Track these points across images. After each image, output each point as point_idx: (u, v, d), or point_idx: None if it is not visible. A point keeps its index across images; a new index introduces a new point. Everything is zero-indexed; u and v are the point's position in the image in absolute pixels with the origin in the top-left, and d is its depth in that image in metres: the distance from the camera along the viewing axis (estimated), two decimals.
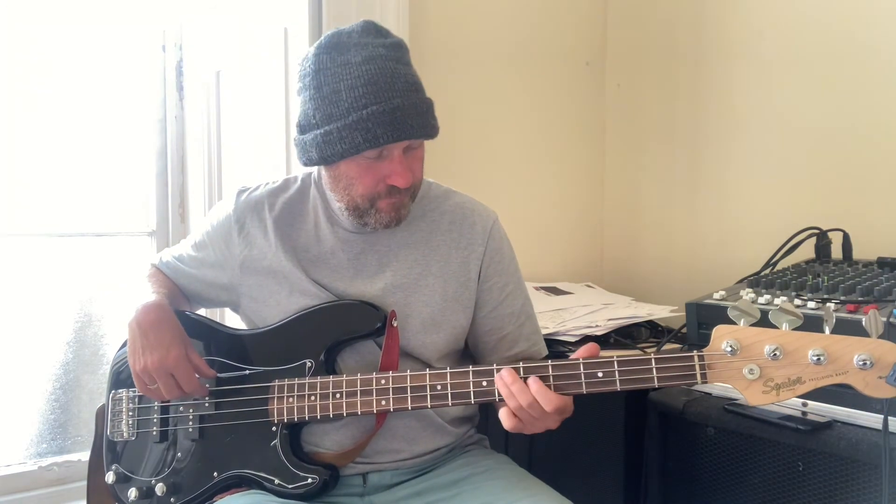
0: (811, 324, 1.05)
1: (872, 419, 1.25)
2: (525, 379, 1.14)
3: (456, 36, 2.20)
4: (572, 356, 1.16)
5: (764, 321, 1.05)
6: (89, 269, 2.23)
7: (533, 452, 1.73)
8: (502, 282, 1.39)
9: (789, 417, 1.33)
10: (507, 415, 1.16)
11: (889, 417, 1.17)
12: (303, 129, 1.27)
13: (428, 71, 2.07)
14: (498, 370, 1.16)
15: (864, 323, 1.00)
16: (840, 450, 1.26)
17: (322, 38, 1.28)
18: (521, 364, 1.15)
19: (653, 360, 1.09)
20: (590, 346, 1.16)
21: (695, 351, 1.08)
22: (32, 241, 2.16)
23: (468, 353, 1.44)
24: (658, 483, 1.56)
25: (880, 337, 0.99)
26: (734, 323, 1.06)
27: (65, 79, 2.18)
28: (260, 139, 2.06)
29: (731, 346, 1.05)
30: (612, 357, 1.12)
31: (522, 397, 1.13)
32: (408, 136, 1.21)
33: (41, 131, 2.15)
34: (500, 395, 1.16)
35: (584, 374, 1.12)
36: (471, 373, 1.18)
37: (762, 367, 1.04)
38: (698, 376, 1.07)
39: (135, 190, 2.31)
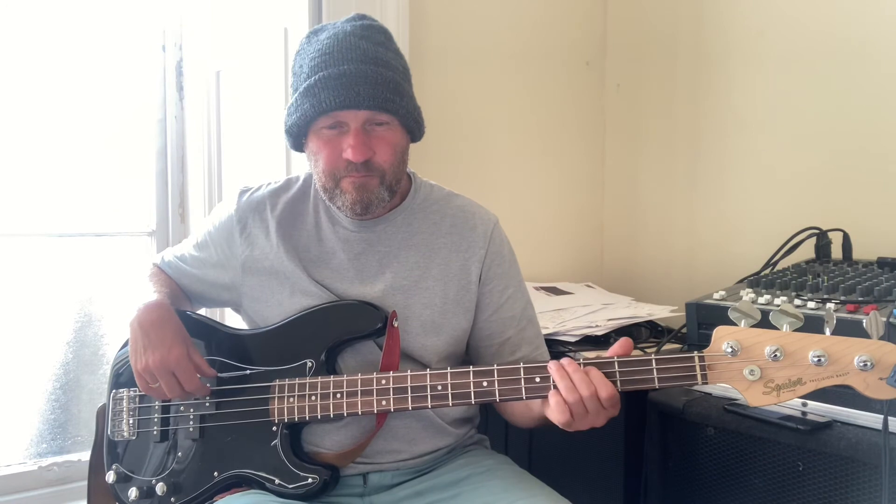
0: (811, 324, 1.05)
1: (872, 419, 1.25)
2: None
3: (456, 36, 2.20)
4: (606, 354, 1.13)
5: (764, 322, 1.05)
6: (89, 269, 2.23)
7: (533, 452, 1.73)
8: (502, 285, 1.38)
9: (789, 417, 1.33)
10: (560, 409, 1.08)
11: (889, 417, 1.17)
12: None
13: (428, 71, 2.10)
14: (499, 370, 1.16)
15: (864, 324, 1.00)
16: (840, 450, 1.26)
17: None
18: (521, 365, 1.15)
19: (653, 361, 1.09)
20: (623, 343, 1.12)
21: (695, 352, 1.08)
22: (32, 241, 2.16)
23: (468, 360, 1.43)
24: (658, 483, 1.56)
25: (881, 338, 0.99)
26: (735, 324, 1.06)
27: (65, 79, 2.17)
28: (260, 139, 2.06)
29: (731, 347, 1.05)
30: (613, 358, 1.12)
31: (584, 388, 1.07)
32: (354, 104, 1.19)
33: (41, 131, 2.14)
34: (554, 384, 1.09)
35: None
36: (471, 373, 1.18)
37: (763, 368, 1.04)
38: (699, 377, 1.07)
39: (135, 190, 2.31)
